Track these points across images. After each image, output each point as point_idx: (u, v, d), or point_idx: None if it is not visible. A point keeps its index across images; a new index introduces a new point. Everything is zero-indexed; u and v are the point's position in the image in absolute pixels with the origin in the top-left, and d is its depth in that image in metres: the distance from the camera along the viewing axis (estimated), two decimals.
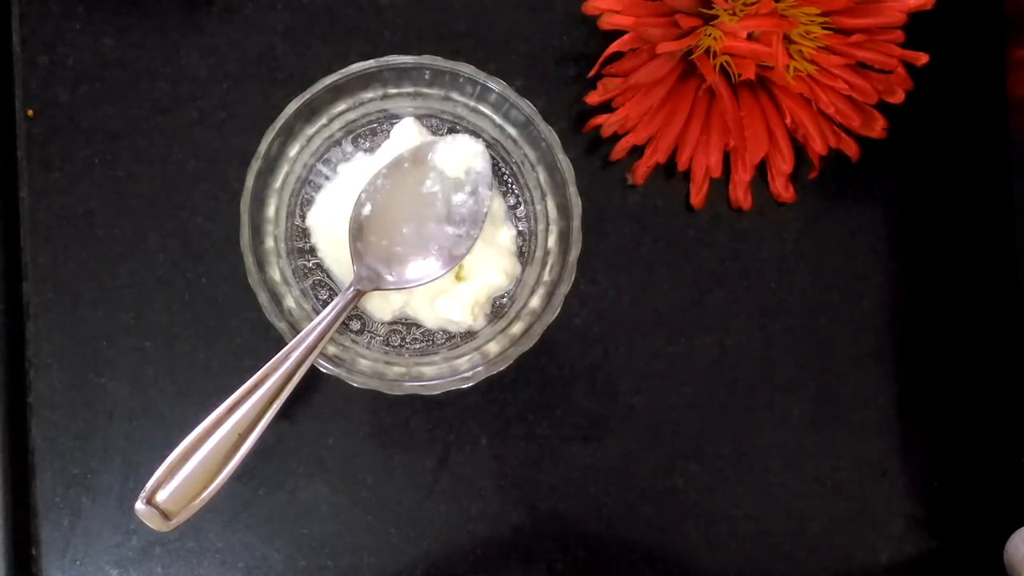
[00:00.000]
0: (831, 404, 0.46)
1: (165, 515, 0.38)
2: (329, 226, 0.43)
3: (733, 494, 0.46)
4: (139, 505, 0.37)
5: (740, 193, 0.45)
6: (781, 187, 0.45)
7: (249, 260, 0.40)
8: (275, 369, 0.39)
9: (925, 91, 0.45)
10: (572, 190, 0.41)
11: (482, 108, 0.43)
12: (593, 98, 0.44)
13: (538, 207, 0.44)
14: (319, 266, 0.44)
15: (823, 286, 0.47)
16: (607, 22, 0.42)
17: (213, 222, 0.45)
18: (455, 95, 0.43)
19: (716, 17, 0.42)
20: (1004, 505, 0.46)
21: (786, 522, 0.46)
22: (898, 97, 0.44)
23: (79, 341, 0.45)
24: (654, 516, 0.46)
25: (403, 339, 0.44)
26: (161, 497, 0.38)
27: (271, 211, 0.42)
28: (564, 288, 0.41)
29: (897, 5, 0.42)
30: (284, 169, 0.43)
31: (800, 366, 0.46)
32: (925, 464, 0.46)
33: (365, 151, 0.44)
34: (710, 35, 0.42)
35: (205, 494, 0.38)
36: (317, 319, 0.40)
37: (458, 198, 0.42)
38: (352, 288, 0.41)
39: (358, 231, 0.41)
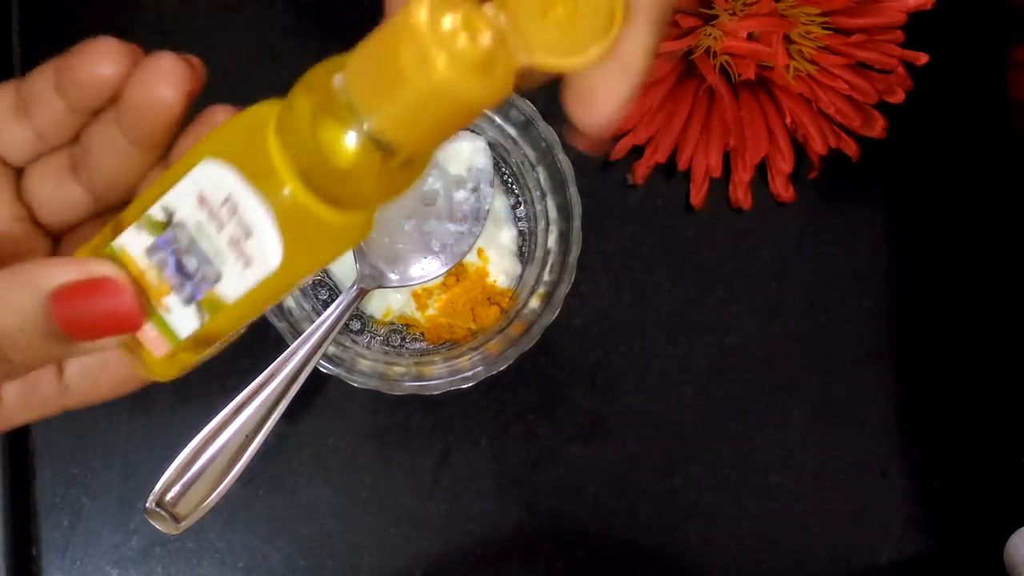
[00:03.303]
0: (831, 404, 0.46)
1: (174, 517, 0.37)
2: None
3: (733, 494, 0.46)
4: (149, 508, 0.37)
5: (740, 193, 0.45)
6: (781, 187, 0.45)
7: None
8: (280, 369, 0.39)
9: (925, 91, 0.45)
10: (572, 190, 0.41)
11: None
12: None
13: (538, 207, 0.44)
14: None
15: (823, 286, 0.47)
16: None
17: None
18: None
19: (716, 17, 0.42)
20: (1004, 505, 0.46)
21: (786, 522, 0.46)
22: (898, 97, 0.44)
23: None
24: (654, 516, 0.46)
25: (403, 339, 0.44)
26: (170, 499, 0.37)
27: None
28: (564, 288, 0.41)
29: (897, 5, 0.42)
30: None
31: (800, 366, 0.46)
32: (925, 464, 0.46)
33: None
34: (710, 35, 0.43)
35: (213, 496, 0.38)
36: (321, 317, 0.40)
37: (460, 195, 0.42)
38: (355, 286, 0.41)
39: None
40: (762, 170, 0.46)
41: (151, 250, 0.22)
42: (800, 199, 0.46)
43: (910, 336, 0.47)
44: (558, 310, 0.41)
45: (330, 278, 0.44)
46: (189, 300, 0.22)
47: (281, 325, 0.40)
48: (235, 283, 0.22)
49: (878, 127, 0.44)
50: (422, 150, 0.21)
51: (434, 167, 0.42)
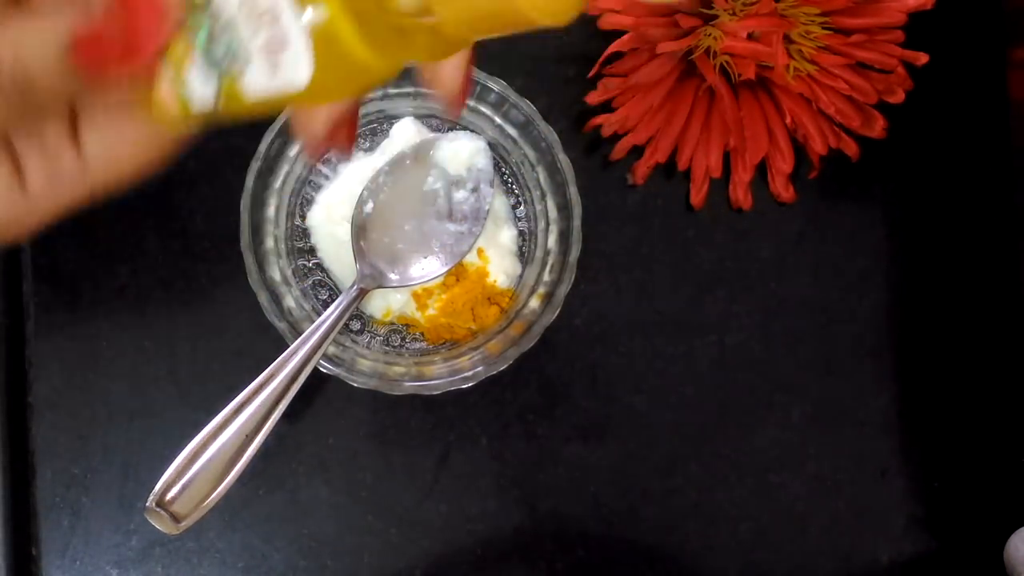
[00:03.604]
0: (831, 404, 0.46)
1: (174, 517, 0.37)
2: (329, 226, 0.43)
3: (733, 494, 0.46)
4: (149, 508, 0.37)
5: (740, 193, 0.45)
6: (781, 187, 0.45)
7: (249, 260, 0.40)
8: (281, 369, 0.39)
9: (925, 91, 0.45)
10: (572, 190, 0.41)
11: (482, 108, 0.43)
12: (593, 98, 0.44)
13: (538, 207, 0.44)
14: (319, 266, 0.44)
15: (823, 286, 0.47)
16: (607, 22, 0.42)
17: (213, 222, 0.45)
18: None
19: (716, 17, 0.42)
20: (1004, 505, 0.46)
21: (786, 522, 0.46)
22: (898, 97, 0.44)
23: (79, 341, 0.45)
24: (654, 516, 0.46)
25: (403, 339, 0.44)
26: (170, 499, 0.37)
27: (271, 211, 0.42)
28: (564, 288, 0.41)
29: (897, 5, 0.42)
30: (284, 169, 0.43)
31: (800, 366, 0.46)
32: (925, 464, 0.46)
33: (365, 151, 0.44)
34: (710, 35, 0.43)
35: (213, 496, 0.38)
36: (321, 317, 0.40)
37: (460, 195, 0.42)
38: (355, 286, 0.41)
39: (360, 229, 0.41)
40: (762, 170, 0.46)
41: (181, 23, 0.23)
42: (800, 199, 0.46)
43: (910, 336, 0.47)
44: (558, 310, 0.41)
45: (330, 278, 0.44)
46: (209, 80, 0.23)
47: (281, 325, 0.40)
48: (257, 84, 0.22)
49: (878, 127, 0.44)
50: (466, 36, 0.22)
51: (434, 167, 0.42)
